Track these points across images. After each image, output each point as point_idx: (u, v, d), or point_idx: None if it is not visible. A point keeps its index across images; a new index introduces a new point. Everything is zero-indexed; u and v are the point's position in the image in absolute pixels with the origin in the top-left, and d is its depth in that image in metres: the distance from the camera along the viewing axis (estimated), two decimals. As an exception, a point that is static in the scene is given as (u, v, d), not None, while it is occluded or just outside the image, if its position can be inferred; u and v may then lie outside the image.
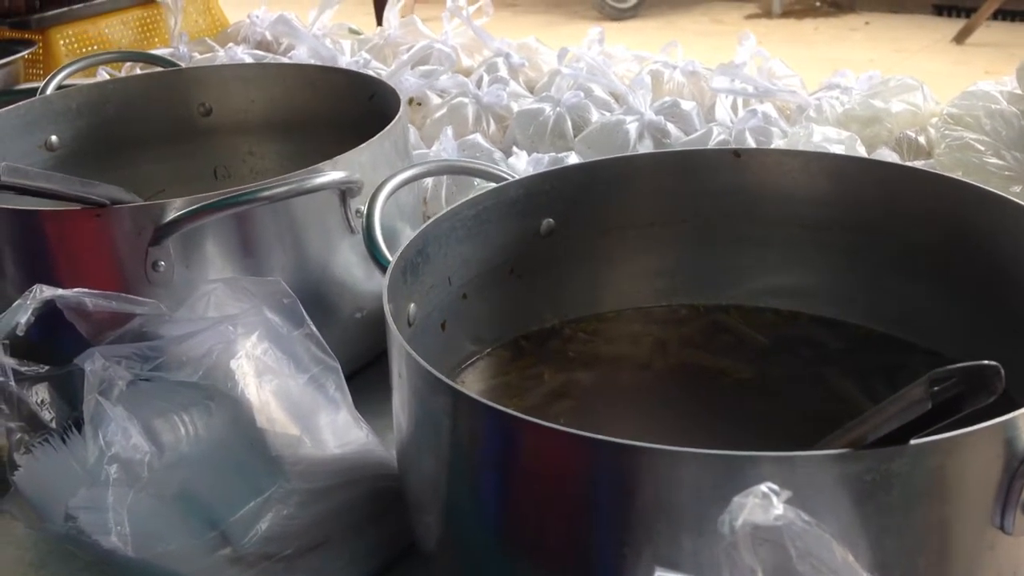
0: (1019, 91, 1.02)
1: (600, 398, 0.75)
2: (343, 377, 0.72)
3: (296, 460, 0.67)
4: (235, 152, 1.16)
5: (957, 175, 0.95)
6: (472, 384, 0.77)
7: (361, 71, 1.42)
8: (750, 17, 5.57)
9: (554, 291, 0.82)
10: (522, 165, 1.08)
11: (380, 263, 0.68)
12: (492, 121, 1.32)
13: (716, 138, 1.12)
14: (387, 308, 0.61)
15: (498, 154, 1.18)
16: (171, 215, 0.76)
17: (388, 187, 0.72)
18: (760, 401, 0.74)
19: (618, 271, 0.84)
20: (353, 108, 1.07)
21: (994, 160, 0.93)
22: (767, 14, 5.58)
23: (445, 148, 1.13)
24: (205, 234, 0.80)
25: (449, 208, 0.72)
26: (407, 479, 0.63)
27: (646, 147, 1.17)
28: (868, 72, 1.25)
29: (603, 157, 0.80)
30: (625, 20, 5.40)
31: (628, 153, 1.09)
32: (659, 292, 0.85)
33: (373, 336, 0.95)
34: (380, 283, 0.90)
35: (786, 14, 5.56)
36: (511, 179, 0.77)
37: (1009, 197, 0.70)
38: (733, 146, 1.12)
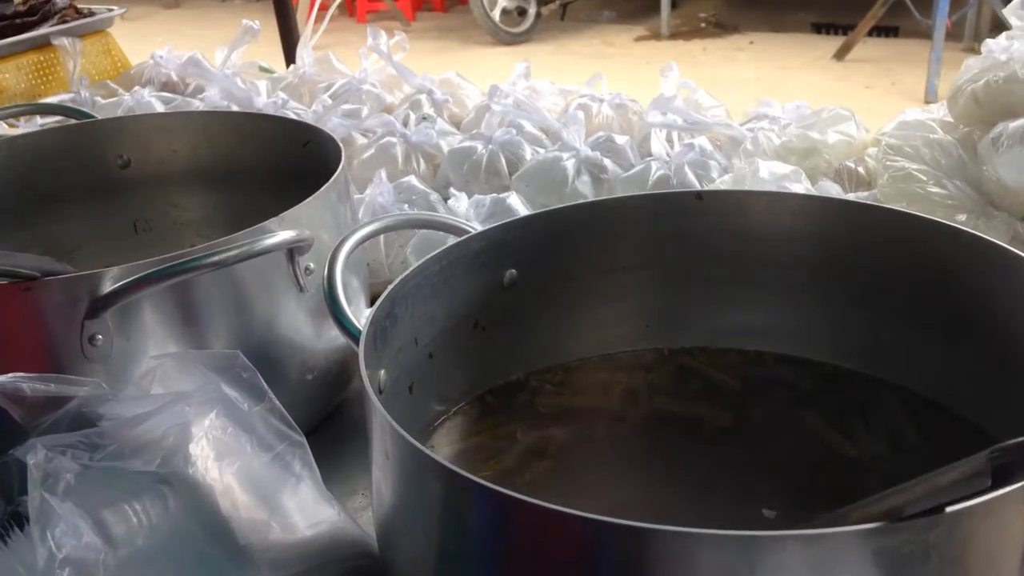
0: (950, 119, 1.04)
1: (578, 456, 0.73)
2: (309, 452, 0.67)
3: (265, 547, 0.62)
4: (157, 205, 1.10)
5: (901, 205, 0.96)
6: (443, 447, 0.73)
7: (279, 112, 1.38)
8: (640, 39, 5.66)
9: (518, 342, 0.79)
10: (462, 208, 1.05)
11: (350, 332, 0.64)
12: (422, 160, 1.28)
13: (656, 173, 1.11)
14: (366, 381, 0.57)
15: (434, 196, 1.14)
16: (110, 286, 0.70)
17: (347, 247, 0.69)
18: (743, 449, 0.72)
19: (581, 318, 0.81)
20: (283, 155, 1.03)
21: (937, 190, 0.94)
22: (656, 36, 5.68)
23: (381, 192, 1.09)
24: (144, 302, 0.74)
25: (414, 266, 0.69)
26: (392, 561, 0.59)
27: (584, 183, 1.16)
28: (795, 102, 1.27)
29: (564, 205, 0.77)
30: (518, 44, 5.42)
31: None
32: (623, 337, 0.83)
33: (324, 396, 0.92)
34: (331, 341, 0.86)
35: (674, 36, 5.66)
36: (472, 231, 0.74)
37: (975, 233, 0.70)
38: (674, 180, 1.12)
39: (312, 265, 0.81)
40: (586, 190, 1.14)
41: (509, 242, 0.76)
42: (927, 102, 3.61)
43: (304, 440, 0.67)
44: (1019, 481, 0.40)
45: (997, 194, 0.94)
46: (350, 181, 1.03)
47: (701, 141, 1.15)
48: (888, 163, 0.97)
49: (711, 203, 0.79)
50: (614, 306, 0.82)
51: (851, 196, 1.00)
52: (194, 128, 1.06)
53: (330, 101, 1.38)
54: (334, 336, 0.75)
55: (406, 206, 1.11)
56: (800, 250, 0.79)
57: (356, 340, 0.63)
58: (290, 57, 2.05)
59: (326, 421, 0.91)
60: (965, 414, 0.73)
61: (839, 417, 0.74)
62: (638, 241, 0.80)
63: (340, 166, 0.88)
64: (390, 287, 0.67)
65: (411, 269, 0.69)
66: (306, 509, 0.65)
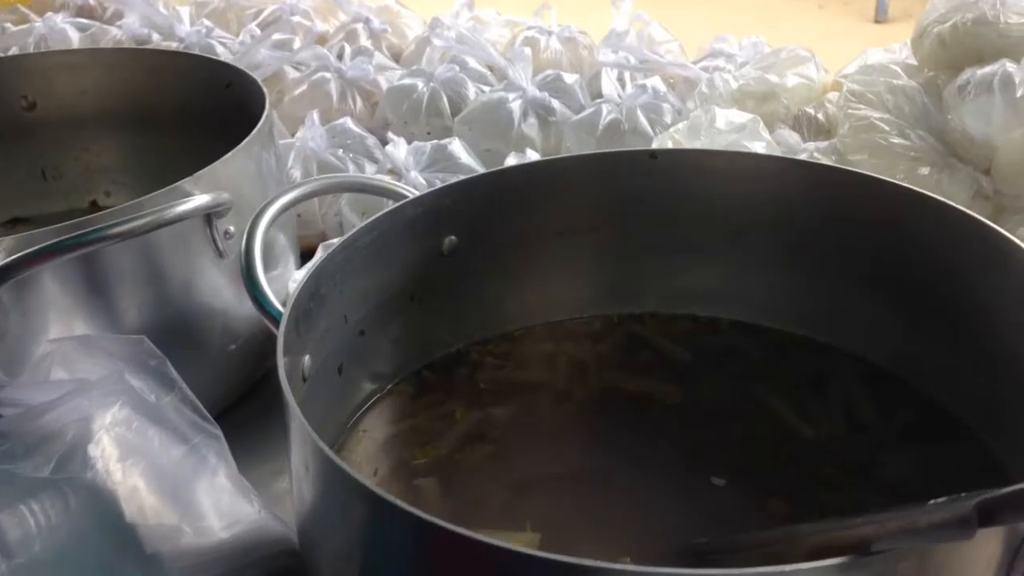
0: (914, 62, 0.98)
1: (521, 440, 0.68)
2: (225, 445, 0.61)
3: (177, 555, 0.57)
4: (66, 150, 1.01)
5: (863, 157, 0.91)
6: (374, 431, 0.68)
7: (203, 42, 1.28)
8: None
9: (458, 313, 0.74)
10: (401, 155, 0.98)
11: (270, 315, 0.58)
12: (359, 98, 1.20)
13: (607, 117, 1.05)
14: (283, 378, 0.51)
15: (371, 140, 1.07)
16: (2, 259, 0.63)
17: (265, 219, 0.62)
18: (694, 429, 0.68)
19: (526, 285, 0.76)
20: (204, 96, 0.95)
21: (899, 140, 0.89)
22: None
23: (313, 136, 1.02)
24: (43, 274, 0.67)
25: (343, 238, 0.63)
26: (314, 568, 0.54)
27: (531, 126, 1.09)
28: (752, 38, 1.20)
29: (509, 165, 0.71)
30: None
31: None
32: (570, 304, 0.78)
33: (248, 367, 0.85)
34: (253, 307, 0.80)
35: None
36: (409, 196, 0.68)
37: (944, 201, 0.66)
38: (625, 124, 1.06)
39: (232, 228, 0.74)
40: (533, 134, 1.08)
41: (448, 207, 0.69)
42: (877, 22, 3.56)
43: (220, 432, 0.61)
44: (1001, 524, 0.36)
45: (961, 145, 0.89)
46: (277, 125, 0.95)
47: (654, 82, 1.09)
48: (850, 111, 0.91)
49: (666, 162, 0.74)
50: (561, 271, 0.77)
51: (810, 145, 0.95)
52: (105, 66, 0.97)
53: (258, 31, 1.28)
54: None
55: (340, 151, 1.03)
56: (758, 213, 0.74)
57: (277, 324, 0.57)
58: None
59: (251, 393, 0.85)
60: (925, 388, 0.69)
61: (794, 391, 0.70)
62: (587, 202, 0.74)
63: (264, 114, 0.81)
64: (316, 262, 0.61)
65: (339, 242, 0.62)
66: (222, 508, 0.60)
